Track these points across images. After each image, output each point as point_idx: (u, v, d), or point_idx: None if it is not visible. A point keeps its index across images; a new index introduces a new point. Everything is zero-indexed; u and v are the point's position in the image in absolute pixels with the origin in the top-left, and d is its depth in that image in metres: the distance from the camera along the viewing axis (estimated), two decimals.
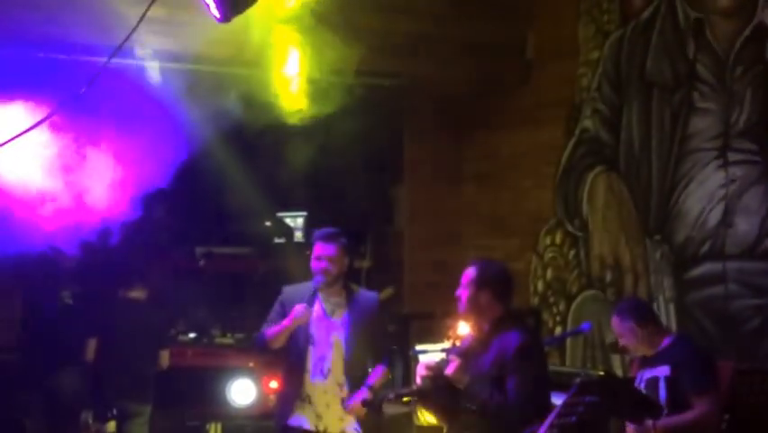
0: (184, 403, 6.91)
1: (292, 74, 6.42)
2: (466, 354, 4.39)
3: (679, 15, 6.31)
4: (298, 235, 8.32)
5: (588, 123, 6.95)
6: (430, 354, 4.73)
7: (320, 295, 5.03)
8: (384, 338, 5.18)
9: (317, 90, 6.38)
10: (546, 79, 7.29)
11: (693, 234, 6.17)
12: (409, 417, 5.97)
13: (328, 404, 4.99)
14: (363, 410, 4.91)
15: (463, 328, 4.90)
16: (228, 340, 7.30)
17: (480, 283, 4.37)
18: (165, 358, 6.64)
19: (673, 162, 6.31)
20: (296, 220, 8.44)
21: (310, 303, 4.95)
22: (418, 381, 4.46)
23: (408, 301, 8.04)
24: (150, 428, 6.72)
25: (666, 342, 4.85)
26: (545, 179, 7.28)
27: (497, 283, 4.42)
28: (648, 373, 4.84)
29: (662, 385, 4.72)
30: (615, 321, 5.00)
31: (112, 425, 6.43)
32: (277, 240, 8.22)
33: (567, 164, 7.10)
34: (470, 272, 4.41)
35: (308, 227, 8.26)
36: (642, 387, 4.81)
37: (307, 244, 7.83)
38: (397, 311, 7.65)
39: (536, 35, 7.36)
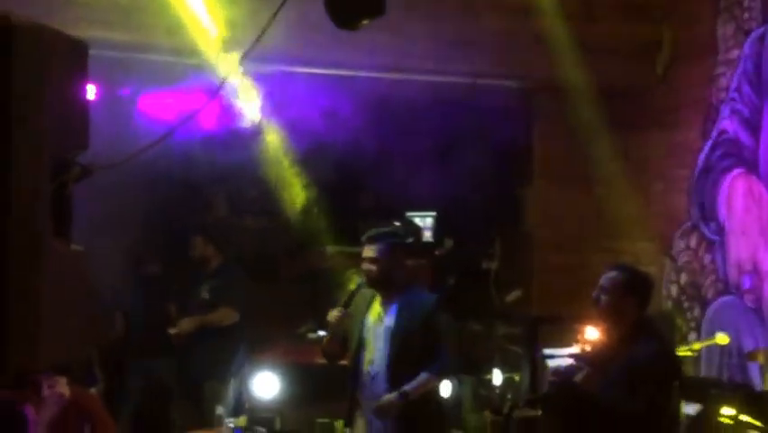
0: (314, 401, 7.03)
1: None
2: (595, 360, 4.33)
3: None
4: (427, 235, 8.36)
5: (726, 124, 6.73)
6: (557, 359, 4.67)
7: (378, 298, 4.92)
8: (434, 343, 4.78)
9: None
10: (683, 79, 7.08)
11: None
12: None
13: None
14: (386, 413, 4.74)
15: (592, 333, 4.82)
16: None
17: (627, 289, 4.28)
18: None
19: None
20: (425, 220, 8.48)
21: (346, 306, 4.87)
22: (547, 386, 4.41)
23: (536, 304, 7.97)
24: (281, 426, 6.91)
25: None
26: (679, 181, 7.09)
27: (643, 291, 4.34)
28: None
29: None
30: None
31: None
32: (408, 240, 8.26)
33: (704, 166, 6.89)
34: (615, 277, 4.31)
35: (437, 227, 8.28)
36: None
37: (435, 244, 7.89)
38: (526, 314, 7.59)
39: (673, 33, 7.16)
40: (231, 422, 6.08)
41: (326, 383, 7.01)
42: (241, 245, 8.79)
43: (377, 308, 4.93)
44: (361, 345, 4.89)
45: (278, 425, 6.96)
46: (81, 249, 2.18)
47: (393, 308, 4.87)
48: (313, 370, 7.07)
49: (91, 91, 6.12)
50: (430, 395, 4.92)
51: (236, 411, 6.56)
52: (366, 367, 4.87)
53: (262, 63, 5.94)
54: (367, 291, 4.96)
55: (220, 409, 6.28)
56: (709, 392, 4.28)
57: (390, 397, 4.73)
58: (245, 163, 7.69)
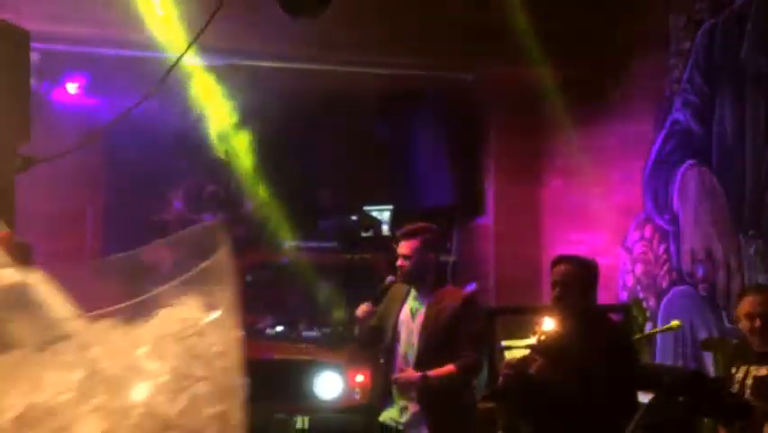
0: (272, 397, 6.99)
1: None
2: (550, 351, 4.34)
3: None
4: (385, 229, 8.36)
5: (679, 115, 6.79)
6: (515, 351, 4.68)
7: (413, 293, 4.98)
8: (465, 338, 4.76)
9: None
10: (637, 71, 7.14)
11: None
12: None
13: (406, 405, 4.87)
14: (405, 388, 4.76)
15: (548, 324, 4.84)
16: (315, 334, 7.36)
17: (587, 281, 4.33)
18: None
19: None
20: (382, 214, 8.48)
21: (377, 301, 4.92)
22: (501, 379, 4.42)
23: (494, 296, 8.00)
24: None
25: None
26: (634, 172, 7.15)
27: (597, 278, 4.40)
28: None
29: None
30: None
31: None
32: (364, 234, 8.25)
33: (657, 157, 6.95)
34: (572, 271, 4.34)
35: (394, 221, 8.28)
36: (749, 384, 4.64)
37: (393, 237, 7.89)
38: (483, 306, 7.61)
39: (625, 26, 7.21)
40: None
41: (285, 379, 6.99)
42: None
43: (411, 302, 4.95)
44: (394, 338, 4.91)
45: None
46: (26, 241, 2.14)
47: (425, 304, 4.89)
48: (271, 365, 7.04)
49: (72, 87, 5.99)
50: (459, 392, 4.87)
51: None
52: (399, 361, 4.88)
53: (213, 56, 5.90)
54: (403, 285, 5.00)
55: None
56: (663, 380, 4.32)
57: (409, 375, 4.75)
58: (204, 158, 7.64)
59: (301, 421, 7.07)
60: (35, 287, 1.06)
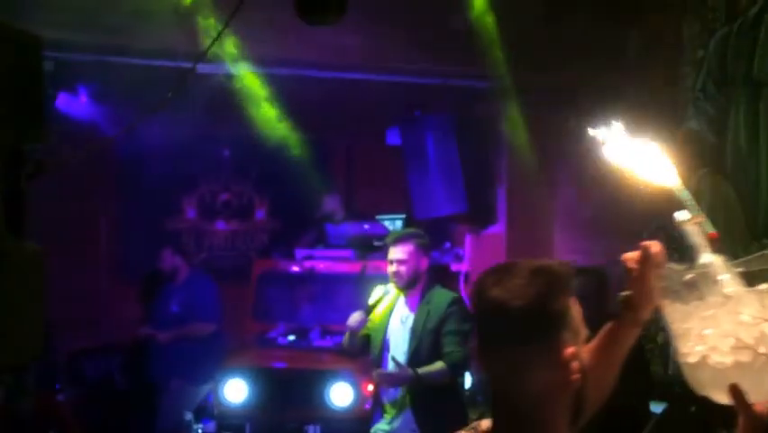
0: (284, 405, 6.98)
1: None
2: None
3: None
4: None
5: (692, 124, 6.74)
6: None
7: (401, 300, 4.95)
8: (451, 337, 4.74)
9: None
10: (648, 79, 7.11)
11: None
12: None
13: (397, 414, 4.85)
14: (391, 382, 4.76)
15: None
16: (327, 343, 7.35)
17: (602, 293, 4.33)
18: None
19: None
20: (394, 223, 8.47)
21: (369, 312, 4.89)
22: None
23: None
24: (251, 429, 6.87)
25: None
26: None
27: (609, 290, 4.39)
28: None
29: None
30: None
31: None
32: (376, 243, 8.24)
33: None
34: (586, 282, 4.33)
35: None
36: None
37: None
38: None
39: (638, 34, 7.19)
40: (200, 428, 6.03)
41: (297, 388, 6.98)
42: (211, 249, 8.75)
43: (401, 309, 4.94)
44: (384, 346, 4.90)
45: (247, 431, 6.92)
46: (39, 247, 2.13)
47: (415, 308, 4.87)
48: (283, 374, 7.03)
49: (83, 95, 6.00)
50: (447, 393, 4.86)
51: (202, 415, 6.52)
52: (390, 367, 4.85)
53: (228, 64, 5.92)
54: (391, 293, 4.97)
55: (189, 415, 6.23)
56: (675, 390, 4.30)
57: (399, 370, 4.70)
58: (217, 165, 7.63)
59: (313, 430, 7.05)
60: (717, 267, 1.97)
